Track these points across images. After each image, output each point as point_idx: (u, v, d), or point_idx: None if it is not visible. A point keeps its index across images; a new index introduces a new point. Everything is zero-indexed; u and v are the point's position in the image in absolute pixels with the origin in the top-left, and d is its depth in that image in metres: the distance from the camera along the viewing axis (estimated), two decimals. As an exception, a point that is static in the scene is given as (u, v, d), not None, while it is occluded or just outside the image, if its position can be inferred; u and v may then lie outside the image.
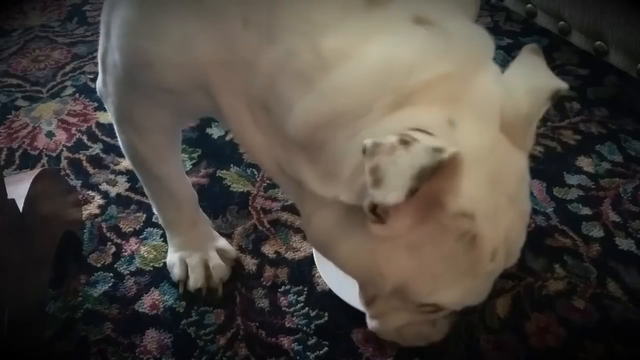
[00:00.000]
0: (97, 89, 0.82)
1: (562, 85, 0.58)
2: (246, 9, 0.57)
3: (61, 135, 1.24)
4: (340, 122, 0.55)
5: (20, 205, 0.79)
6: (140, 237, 1.02)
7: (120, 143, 0.84)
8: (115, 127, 0.82)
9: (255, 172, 1.14)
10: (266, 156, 0.65)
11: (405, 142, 0.48)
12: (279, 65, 0.57)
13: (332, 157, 0.57)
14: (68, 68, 1.44)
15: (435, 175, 0.48)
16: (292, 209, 1.06)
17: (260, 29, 0.57)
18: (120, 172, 1.14)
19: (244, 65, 0.59)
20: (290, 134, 0.58)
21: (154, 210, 0.95)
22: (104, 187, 1.11)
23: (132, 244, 1.00)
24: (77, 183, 1.12)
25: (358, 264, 0.60)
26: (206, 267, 0.93)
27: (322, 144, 0.57)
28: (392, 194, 0.48)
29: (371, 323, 0.71)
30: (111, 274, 0.96)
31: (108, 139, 1.22)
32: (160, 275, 0.95)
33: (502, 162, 0.57)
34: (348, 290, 0.88)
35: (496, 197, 0.56)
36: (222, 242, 0.97)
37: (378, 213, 0.53)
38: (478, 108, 0.56)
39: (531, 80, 0.58)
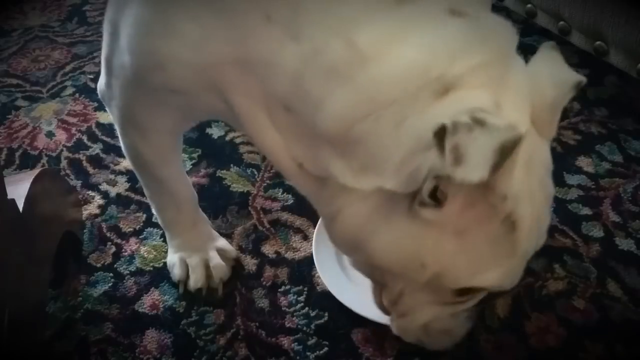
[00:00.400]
0: (98, 91, 0.81)
1: (582, 78, 0.60)
2: (269, 6, 0.57)
3: (61, 135, 1.24)
4: (382, 113, 0.55)
5: (20, 205, 0.79)
6: (140, 237, 1.02)
7: (122, 145, 0.84)
8: (118, 129, 0.82)
9: (255, 172, 1.14)
10: (283, 157, 0.65)
11: (479, 121, 0.49)
12: (306, 62, 0.56)
13: (373, 149, 0.57)
14: (68, 68, 1.44)
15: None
16: (292, 209, 1.06)
17: (284, 26, 0.57)
18: (120, 172, 1.14)
19: (264, 64, 0.59)
20: (321, 130, 0.58)
21: (154, 211, 0.95)
22: (104, 187, 1.11)
23: (132, 244, 1.00)
24: (77, 183, 1.12)
25: (397, 255, 0.60)
26: (207, 267, 0.93)
27: (360, 136, 0.57)
28: (475, 170, 0.48)
29: (396, 323, 0.71)
30: (111, 274, 0.96)
31: (108, 139, 1.22)
32: (160, 275, 0.95)
33: (534, 147, 0.58)
34: (346, 293, 0.88)
35: (531, 180, 0.58)
36: (222, 242, 0.97)
37: (437, 196, 0.54)
38: (515, 94, 0.58)
39: (554, 73, 0.61)
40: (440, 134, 0.49)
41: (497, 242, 0.58)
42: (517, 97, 0.58)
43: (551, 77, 0.60)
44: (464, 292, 0.64)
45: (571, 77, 0.61)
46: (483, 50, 0.56)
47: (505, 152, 0.48)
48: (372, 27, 0.55)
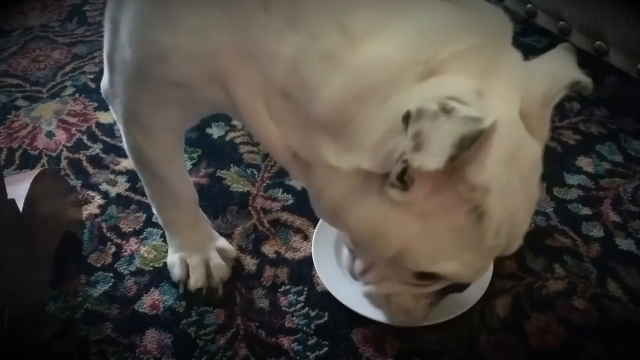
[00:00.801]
0: (102, 90, 0.81)
1: (585, 79, 0.61)
2: None
3: (61, 135, 1.24)
4: (371, 94, 0.56)
5: (20, 205, 0.79)
6: (140, 237, 1.02)
7: (125, 144, 0.84)
8: (121, 128, 0.82)
9: (255, 172, 1.14)
10: (279, 146, 0.66)
11: (446, 109, 0.49)
12: (303, 49, 0.57)
13: (359, 129, 0.58)
14: (68, 68, 1.44)
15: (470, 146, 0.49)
16: (292, 209, 1.06)
17: (282, 14, 0.58)
18: (120, 172, 1.14)
19: (262, 53, 0.59)
20: (316, 115, 0.59)
21: (154, 211, 0.95)
22: (104, 187, 1.11)
23: (132, 244, 1.00)
24: (77, 183, 1.12)
25: (367, 228, 0.62)
26: (207, 267, 0.93)
27: (350, 119, 0.58)
28: (432, 159, 0.49)
29: (364, 288, 0.76)
30: (111, 274, 0.96)
31: (108, 139, 1.22)
32: (160, 275, 0.95)
33: (518, 142, 0.58)
34: (346, 292, 0.88)
35: (509, 174, 0.57)
36: (222, 242, 0.97)
37: (404, 179, 0.55)
38: (503, 84, 0.57)
39: (554, 69, 0.61)
40: (407, 119, 0.49)
41: (461, 232, 0.58)
42: (505, 86, 0.57)
43: (549, 71, 0.60)
44: (425, 276, 0.65)
45: (571, 74, 0.60)
46: (472, 36, 0.56)
47: (466, 143, 0.48)
48: (366, 12, 0.56)
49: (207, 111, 0.84)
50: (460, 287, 0.73)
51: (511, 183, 0.58)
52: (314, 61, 0.57)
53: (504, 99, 0.57)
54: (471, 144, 0.48)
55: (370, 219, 0.61)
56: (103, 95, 0.81)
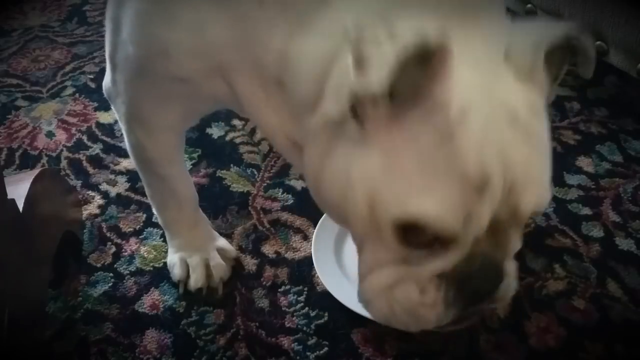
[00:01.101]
0: (104, 90, 0.81)
1: (584, 38, 0.55)
2: None
3: (61, 135, 1.24)
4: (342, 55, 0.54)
5: (20, 205, 0.79)
6: (140, 237, 1.02)
7: (127, 144, 0.84)
8: (122, 127, 0.82)
9: (255, 172, 1.14)
10: (278, 134, 0.66)
11: (391, 32, 0.46)
12: (292, 35, 0.58)
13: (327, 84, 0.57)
14: (68, 68, 1.44)
15: (421, 66, 0.47)
16: (292, 209, 1.06)
17: (276, 6, 0.58)
18: (120, 172, 1.14)
19: (258, 44, 0.60)
20: (301, 97, 0.59)
21: (154, 210, 0.95)
22: (104, 187, 1.11)
23: (132, 244, 1.00)
24: (77, 183, 1.12)
25: (337, 186, 0.57)
26: (207, 267, 0.93)
27: (326, 90, 0.57)
28: (376, 81, 0.47)
29: (360, 288, 0.63)
30: (111, 274, 0.96)
31: (108, 139, 1.22)
32: (160, 275, 0.95)
33: (498, 82, 0.53)
34: (346, 292, 0.88)
35: (489, 108, 0.52)
36: (222, 242, 0.97)
37: (357, 113, 0.52)
38: (481, 28, 0.54)
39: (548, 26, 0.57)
40: (353, 46, 0.47)
41: (429, 156, 0.51)
42: (483, 30, 0.54)
43: (543, 25, 0.57)
44: (407, 233, 0.54)
45: (565, 28, 0.56)
46: None
47: (410, 61, 0.46)
48: None
49: (209, 108, 0.83)
50: (486, 280, 0.58)
51: (494, 117, 0.52)
52: (299, 40, 0.57)
53: (481, 42, 0.53)
54: (417, 62, 0.46)
55: (336, 170, 0.56)
56: (105, 95, 0.81)
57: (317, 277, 0.93)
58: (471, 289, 0.58)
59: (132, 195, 1.09)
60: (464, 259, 0.56)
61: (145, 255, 0.98)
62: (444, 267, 0.56)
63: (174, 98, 0.71)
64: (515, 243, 0.58)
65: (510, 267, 0.59)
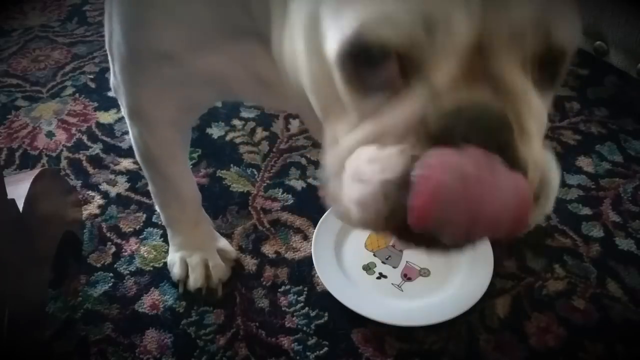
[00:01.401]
0: (111, 86, 0.82)
1: None
2: None
3: (61, 135, 1.24)
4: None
5: (20, 205, 0.79)
6: (140, 237, 1.02)
7: (131, 140, 0.84)
8: (127, 122, 0.82)
9: (255, 172, 1.14)
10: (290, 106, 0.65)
11: None
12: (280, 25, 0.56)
13: None
14: (68, 68, 1.44)
15: None
16: (292, 209, 1.06)
17: (260, 6, 0.57)
18: (120, 172, 1.14)
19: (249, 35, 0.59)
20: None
21: (157, 208, 0.95)
22: (104, 187, 1.11)
23: (132, 244, 1.00)
24: (77, 183, 1.12)
25: (295, 63, 0.51)
26: (206, 267, 0.93)
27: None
28: None
29: (323, 176, 0.50)
30: (111, 274, 0.96)
31: (108, 139, 1.22)
32: (160, 275, 0.95)
33: None
34: (346, 293, 0.88)
35: None
36: (223, 243, 0.97)
37: None
38: None
39: None
40: None
41: None
42: None
43: None
44: (360, 69, 0.42)
45: None
46: None
47: None
48: None
49: (206, 97, 0.81)
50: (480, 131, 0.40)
51: None
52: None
53: None
54: None
55: (290, 50, 0.51)
56: (113, 92, 0.81)
57: (317, 277, 0.93)
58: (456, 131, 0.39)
59: (132, 195, 1.09)
60: (439, 102, 0.40)
61: (145, 255, 0.98)
62: (412, 112, 0.40)
63: (168, 83, 0.70)
64: (534, 101, 0.42)
65: (534, 153, 0.42)
